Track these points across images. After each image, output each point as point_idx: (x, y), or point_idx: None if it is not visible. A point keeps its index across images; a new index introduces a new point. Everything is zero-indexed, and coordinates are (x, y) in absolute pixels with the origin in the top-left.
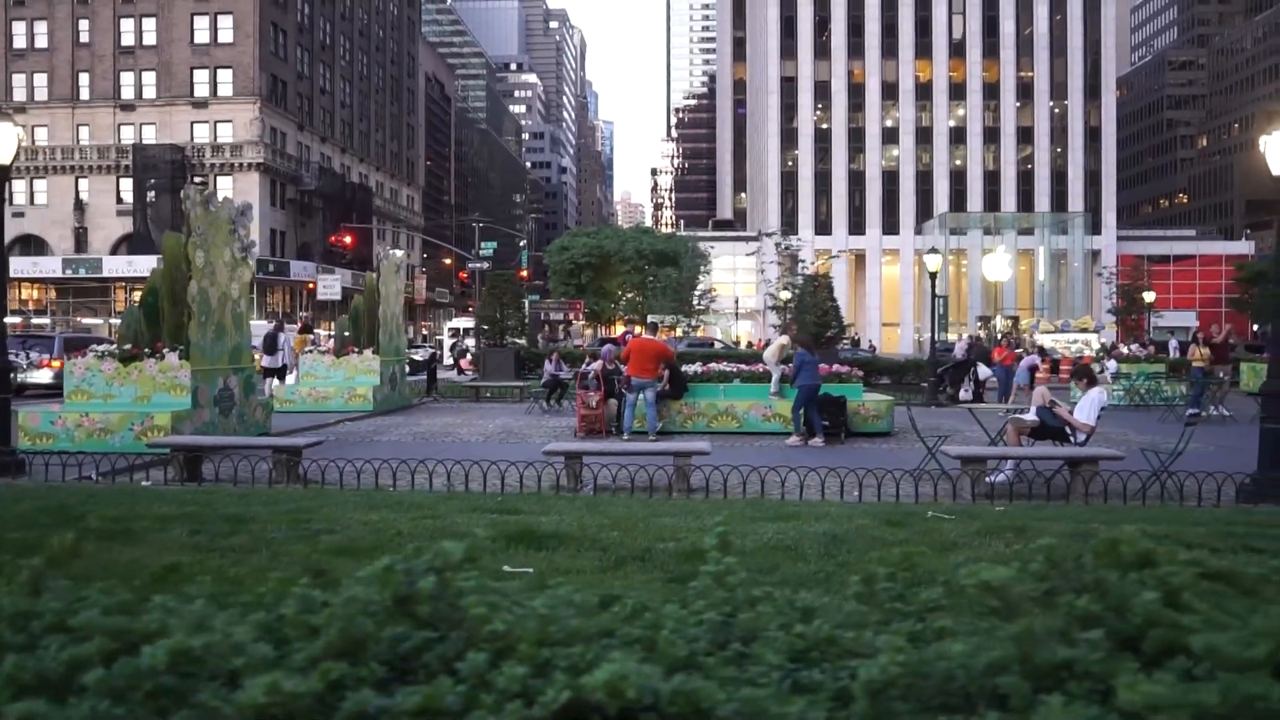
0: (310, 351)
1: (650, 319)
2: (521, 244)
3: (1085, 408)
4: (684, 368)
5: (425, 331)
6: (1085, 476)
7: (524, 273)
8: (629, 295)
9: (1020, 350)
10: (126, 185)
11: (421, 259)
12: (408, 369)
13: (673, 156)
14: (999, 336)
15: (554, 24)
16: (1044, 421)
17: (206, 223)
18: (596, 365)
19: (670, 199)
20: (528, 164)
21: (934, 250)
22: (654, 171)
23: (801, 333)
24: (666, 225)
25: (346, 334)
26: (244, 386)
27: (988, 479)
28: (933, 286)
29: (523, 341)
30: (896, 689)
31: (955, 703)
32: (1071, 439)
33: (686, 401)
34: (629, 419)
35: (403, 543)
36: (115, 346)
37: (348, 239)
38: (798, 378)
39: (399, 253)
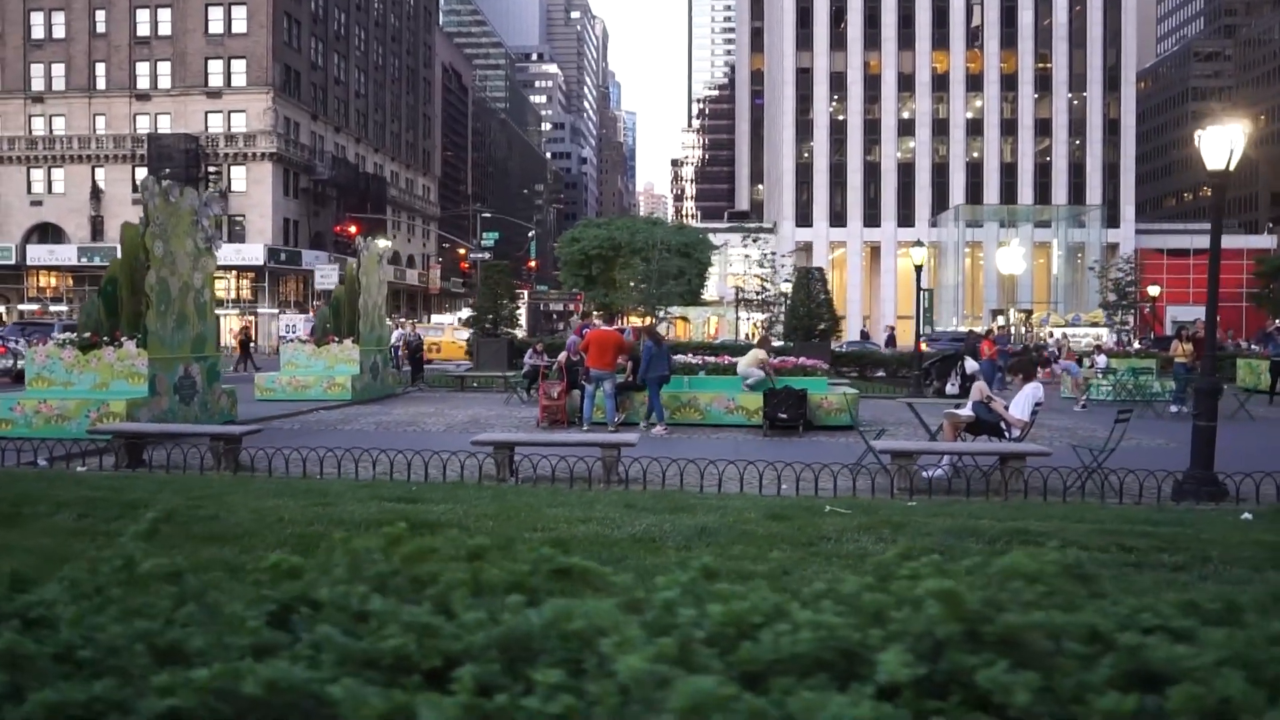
0: (291, 341)
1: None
2: (530, 234)
3: (1020, 403)
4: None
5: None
6: (1011, 473)
7: (532, 263)
8: (642, 286)
9: (1011, 347)
10: (142, 175)
11: (438, 249)
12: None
13: (694, 147)
14: (1002, 330)
15: (575, 14)
16: (979, 417)
17: (166, 213)
18: (561, 357)
19: (692, 190)
20: (548, 154)
21: (919, 244)
22: (674, 163)
23: (795, 322)
24: (688, 217)
25: (328, 324)
26: (207, 374)
27: (925, 474)
28: (918, 281)
29: (516, 332)
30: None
31: None
32: (1007, 434)
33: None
34: (588, 410)
35: (280, 529)
36: (76, 334)
37: (353, 228)
38: (647, 370)
39: (382, 243)
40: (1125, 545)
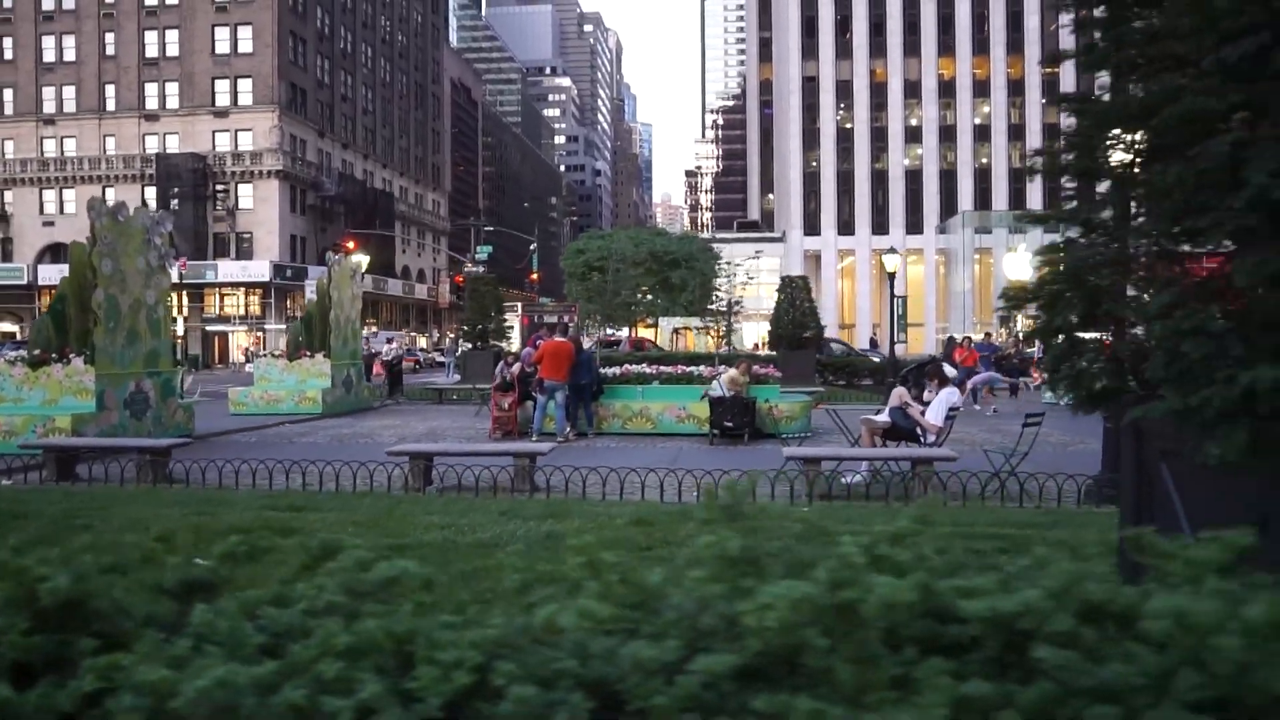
0: (264, 356)
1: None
2: (531, 247)
3: (935, 408)
4: (603, 369)
5: (450, 335)
6: (924, 477)
7: (534, 275)
8: (649, 297)
9: (1002, 353)
10: (151, 194)
11: (449, 263)
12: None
13: (710, 158)
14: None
15: (588, 27)
16: (895, 422)
17: (115, 232)
18: (515, 367)
19: (708, 201)
20: (562, 168)
21: (892, 250)
22: (689, 173)
23: (780, 331)
24: (703, 228)
25: (300, 339)
26: (161, 390)
27: (844, 480)
28: (891, 288)
29: (504, 344)
30: None
31: None
32: (922, 439)
33: (603, 403)
34: (538, 420)
35: (147, 538)
36: (27, 352)
37: (350, 244)
38: (574, 374)
39: (357, 259)
40: (972, 548)
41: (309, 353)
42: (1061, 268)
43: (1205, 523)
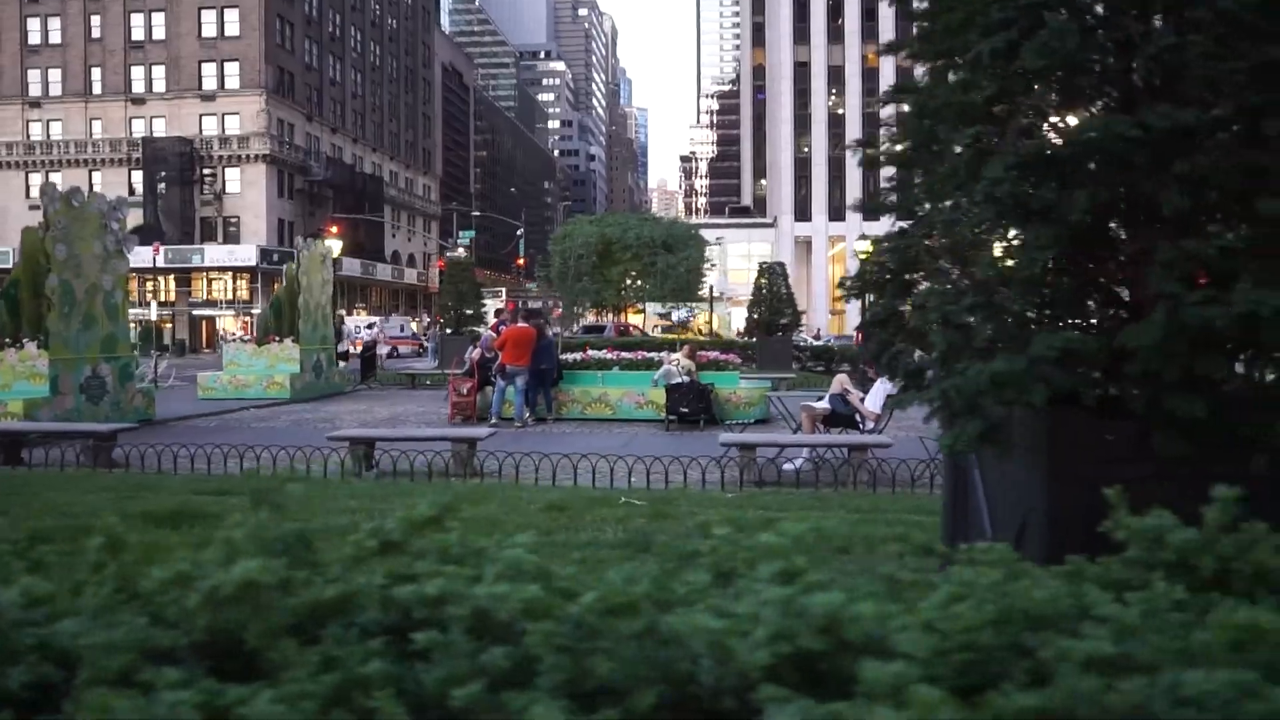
0: (234, 340)
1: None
2: (519, 232)
3: (873, 396)
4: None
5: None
6: (855, 464)
7: (520, 260)
8: (638, 282)
9: None
10: (137, 178)
11: (439, 248)
12: None
13: (705, 143)
14: None
15: (583, 11)
16: (834, 409)
17: (70, 217)
18: (474, 353)
19: (703, 186)
20: (556, 152)
21: (864, 237)
22: (683, 159)
23: (758, 317)
24: (698, 213)
25: (269, 324)
26: (119, 375)
27: (785, 466)
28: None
29: (480, 329)
30: None
31: None
32: (861, 426)
33: (563, 388)
34: (496, 405)
35: (69, 519)
36: None
37: (333, 229)
38: (535, 360)
39: (328, 244)
40: (873, 535)
41: (278, 338)
42: (885, 259)
43: (1005, 524)
